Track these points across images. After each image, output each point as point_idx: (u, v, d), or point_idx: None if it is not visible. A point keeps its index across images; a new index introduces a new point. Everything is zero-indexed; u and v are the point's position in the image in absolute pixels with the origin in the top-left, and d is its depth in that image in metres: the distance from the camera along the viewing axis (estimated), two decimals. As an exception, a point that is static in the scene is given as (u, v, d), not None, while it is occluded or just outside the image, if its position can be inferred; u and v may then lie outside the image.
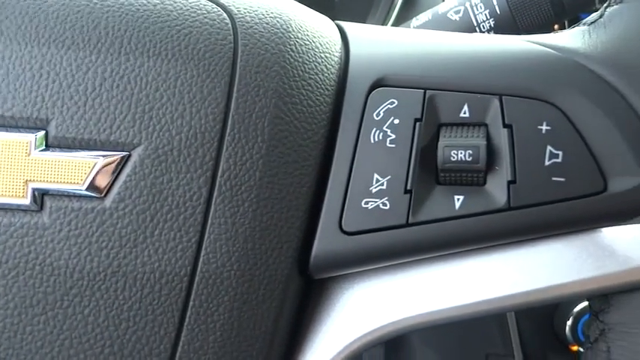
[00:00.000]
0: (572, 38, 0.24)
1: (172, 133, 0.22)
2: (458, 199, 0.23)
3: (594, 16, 0.24)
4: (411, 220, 0.23)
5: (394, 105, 0.24)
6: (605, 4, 0.24)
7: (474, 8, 0.39)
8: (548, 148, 0.22)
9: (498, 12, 0.38)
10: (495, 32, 0.39)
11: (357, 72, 0.25)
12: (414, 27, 0.43)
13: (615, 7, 0.23)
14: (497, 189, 0.22)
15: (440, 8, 0.41)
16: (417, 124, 0.23)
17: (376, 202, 0.23)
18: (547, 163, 0.22)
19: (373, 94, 0.24)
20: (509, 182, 0.22)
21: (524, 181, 0.22)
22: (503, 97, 0.23)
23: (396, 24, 0.63)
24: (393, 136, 0.24)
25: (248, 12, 0.24)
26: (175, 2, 0.24)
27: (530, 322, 0.55)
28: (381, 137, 0.24)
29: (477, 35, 0.26)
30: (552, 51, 0.23)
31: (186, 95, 0.23)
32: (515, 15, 0.37)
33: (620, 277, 0.22)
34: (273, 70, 0.23)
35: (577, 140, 0.22)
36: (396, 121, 0.24)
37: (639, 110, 0.21)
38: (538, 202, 0.22)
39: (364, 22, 0.67)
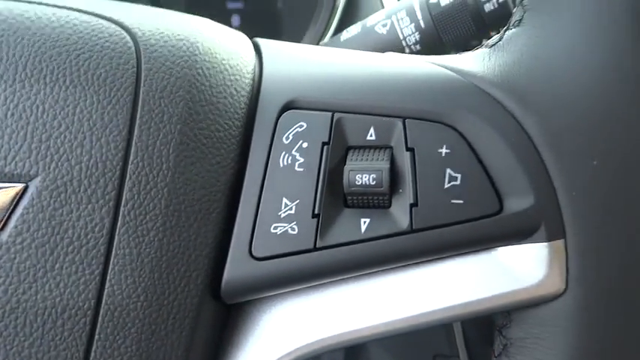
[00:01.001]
0: (473, 61, 0.24)
1: (72, 163, 0.22)
2: (364, 222, 0.23)
3: (495, 38, 0.25)
4: (318, 245, 0.23)
5: (303, 128, 0.24)
6: (505, 27, 0.25)
7: (400, 22, 0.39)
8: (448, 171, 0.22)
9: (423, 26, 0.39)
10: (421, 45, 0.39)
11: (268, 94, 0.25)
12: (344, 39, 0.43)
13: (513, 30, 0.24)
14: (400, 212, 0.23)
15: (368, 21, 0.42)
16: (325, 147, 0.24)
17: (285, 227, 0.23)
18: (446, 185, 0.22)
19: (283, 116, 0.25)
20: (412, 205, 0.23)
21: (425, 203, 0.22)
22: (406, 120, 0.23)
23: (337, 32, 0.64)
24: (302, 160, 0.24)
25: (153, 34, 0.24)
26: (75, 25, 0.23)
27: (474, 323, 0.56)
28: (289, 161, 0.24)
29: (387, 55, 0.27)
30: (453, 74, 0.24)
31: (86, 123, 0.22)
32: (438, 29, 0.38)
33: (518, 294, 0.22)
34: (178, 95, 0.23)
35: (474, 163, 0.22)
36: (305, 145, 0.24)
37: (531, 133, 0.22)
38: (438, 225, 0.22)
39: (307, 30, 0.67)
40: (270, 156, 0.24)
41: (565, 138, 0.22)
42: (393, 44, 0.40)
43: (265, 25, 0.72)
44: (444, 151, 0.23)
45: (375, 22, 0.41)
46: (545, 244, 0.22)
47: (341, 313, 0.24)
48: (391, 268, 0.24)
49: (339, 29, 0.66)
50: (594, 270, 0.22)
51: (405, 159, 0.23)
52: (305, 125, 0.24)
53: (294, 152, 0.24)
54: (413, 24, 0.39)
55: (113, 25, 0.24)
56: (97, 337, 0.22)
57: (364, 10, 0.69)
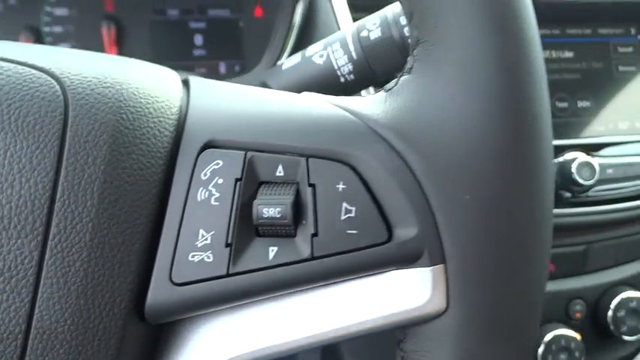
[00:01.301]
0: (371, 104, 0.27)
1: (2, 202, 0.24)
2: (272, 250, 0.26)
3: (392, 83, 0.28)
4: (230, 271, 0.26)
5: (219, 166, 0.27)
6: (400, 73, 0.28)
7: (335, 53, 0.42)
8: (344, 204, 0.25)
9: (355, 57, 0.41)
10: (355, 75, 0.42)
11: (190, 133, 0.28)
12: (285, 68, 0.46)
13: (406, 76, 0.27)
14: (303, 241, 0.26)
15: (307, 51, 0.44)
16: (238, 183, 0.26)
17: (201, 255, 0.26)
18: (342, 217, 0.25)
19: (202, 155, 0.27)
20: (313, 235, 0.25)
21: (324, 234, 0.25)
22: (309, 158, 0.26)
23: (295, 51, 0.66)
24: (217, 195, 0.26)
25: (80, 83, 0.26)
26: (9, 77, 0.26)
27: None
28: (206, 196, 0.26)
29: (301, 96, 0.29)
30: (350, 116, 0.27)
31: (16, 166, 0.24)
32: (369, 60, 0.41)
33: (407, 313, 0.25)
34: (102, 138, 0.26)
35: (367, 197, 0.25)
36: (220, 181, 0.26)
37: (416, 171, 0.25)
38: (335, 252, 0.25)
39: (265, 49, 0.70)
40: (190, 191, 0.27)
41: (443, 176, 0.25)
42: (329, 74, 0.42)
43: (227, 44, 0.75)
44: (340, 186, 0.25)
45: (313, 52, 0.43)
46: (429, 268, 0.25)
47: (257, 331, 0.27)
48: (297, 291, 0.26)
49: (298, 48, 0.68)
50: (471, 290, 0.25)
51: (307, 194, 0.26)
52: (221, 163, 0.27)
53: (210, 187, 0.26)
54: (346, 55, 0.42)
55: (44, 75, 0.26)
56: (27, 358, 0.24)
57: (322, 30, 0.72)
